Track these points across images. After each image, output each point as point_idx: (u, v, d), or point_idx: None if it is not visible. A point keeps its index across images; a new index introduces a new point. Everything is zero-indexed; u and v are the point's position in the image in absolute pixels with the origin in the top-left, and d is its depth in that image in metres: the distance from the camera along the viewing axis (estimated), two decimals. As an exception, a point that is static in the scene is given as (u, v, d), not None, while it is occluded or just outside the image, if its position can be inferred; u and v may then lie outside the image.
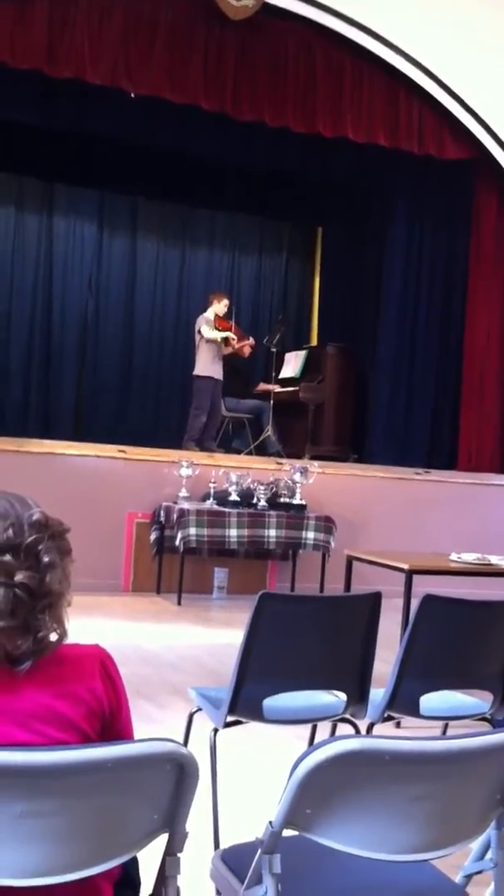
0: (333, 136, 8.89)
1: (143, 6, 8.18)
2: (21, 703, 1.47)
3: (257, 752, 3.69)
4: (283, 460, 8.64)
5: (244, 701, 2.79)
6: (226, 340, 9.45)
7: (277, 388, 10.03)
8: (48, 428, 10.23)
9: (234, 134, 8.90)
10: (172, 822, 1.53)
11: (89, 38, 7.97)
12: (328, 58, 8.82)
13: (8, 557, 1.47)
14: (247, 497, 7.58)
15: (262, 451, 9.48)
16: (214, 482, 7.59)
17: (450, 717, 3.26)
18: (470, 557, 4.90)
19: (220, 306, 9.45)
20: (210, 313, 9.39)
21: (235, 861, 1.83)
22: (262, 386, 10.11)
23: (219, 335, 9.29)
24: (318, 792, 1.57)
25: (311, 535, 7.61)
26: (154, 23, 8.20)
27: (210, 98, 8.44)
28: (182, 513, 7.24)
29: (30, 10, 7.80)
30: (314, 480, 7.83)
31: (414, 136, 9.17)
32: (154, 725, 4.01)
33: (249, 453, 9.35)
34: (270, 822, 1.61)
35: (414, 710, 3.06)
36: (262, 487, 7.60)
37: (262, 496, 7.59)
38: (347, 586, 4.99)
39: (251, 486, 7.62)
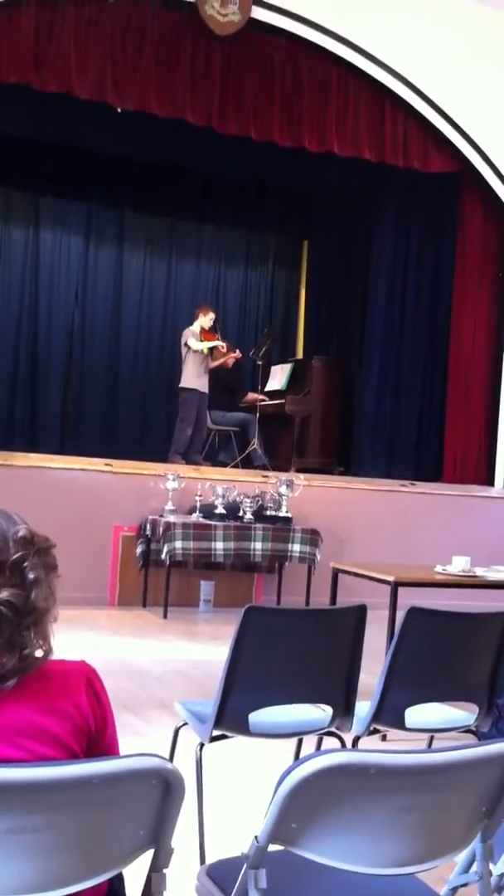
0: (319, 151, 8.95)
1: (130, 21, 8.22)
2: (6, 719, 1.47)
3: (243, 766, 3.68)
4: (269, 473, 8.64)
5: (230, 715, 2.79)
6: (213, 350, 9.46)
7: (266, 400, 10.05)
8: (34, 441, 10.20)
9: (221, 147, 8.93)
10: (158, 838, 1.53)
11: (76, 53, 8.01)
12: (314, 73, 8.88)
13: (-7, 574, 1.47)
14: (233, 510, 7.58)
15: (248, 463, 9.48)
16: (200, 495, 7.59)
17: (435, 729, 3.27)
18: (455, 569, 4.91)
19: (205, 319, 9.46)
20: (196, 326, 9.40)
21: (221, 876, 1.83)
22: (251, 395, 10.11)
23: (205, 345, 9.30)
24: (304, 806, 1.58)
25: (297, 547, 7.62)
26: (140, 37, 8.24)
27: (196, 112, 8.48)
28: (168, 526, 7.24)
29: (16, 24, 7.83)
30: (300, 493, 7.84)
31: (399, 150, 9.23)
32: (140, 740, 3.99)
33: (235, 466, 9.35)
34: (256, 837, 1.61)
35: (399, 723, 3.07)
36: (248, 500, 7.60)
37: (248, 509, 7.59)
38: (333, 599, 4.99)
39: (237, 498, 7.62)
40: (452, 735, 3.24)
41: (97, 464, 7.93)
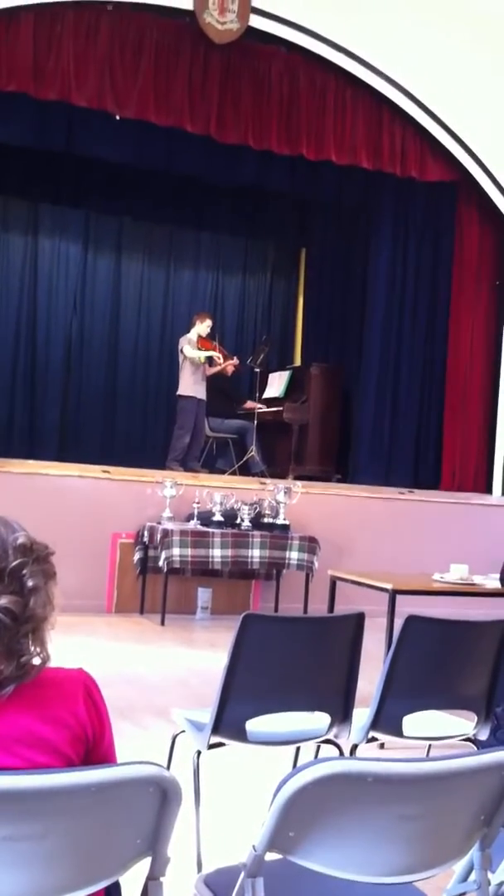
0: (317, 159, 8.98)
1: (129, 29, 8.24)
2: (3, 727, 1.47)
3: (241, 774, 3.67)
4: (267, 480, 8.63)
5: (227, 723, 2.79)
6: (210, 359, 9.47)
7: (262, 408, 10.05)
8: (32, 448, 10.19)
9: (219, 155, 8.95)
10: (155, 846, 1.53)
11: (75, 61, 8.03)
12: (312, 81, 8.90)
13: (-9, 582, 1.47)
14: (230, 517, 7.58)
15: (245, 471, 9.47)
16: (198, 502, 7.59)
17: (433, 737, 3.26)
18: (453, 577, 4.91)
19: (203, 326, 9.46)
20: (193, 333, 9.40)
21: (218, 885, 1.82)
22: (249, 404, 10.11)
23: (201, 354, 9.30)
24: (302, 815, 1.57)
25: (294, 555, 7.61)
26: (139, 46, 8.27)
27: (195, 120, 8.50)
28: (166, 533, 7.23)
29: (15, 33, 7.85)
30: (298, 500, 7.83)
31: (396, 158, 9.27)
32: (137, 747, 3.98)
33: (233, 473, 9.34)
34: (254, 846, 1.60)
35: (397, 731, 3.06)
36: (245, 507, 7.60)
37: (245, 516, 7.58)
38: (331, 606, 4.99)
39: (235, 506, 7.62)
40: (451, 743, 3.23)
41: (95, 471, 7.92)
